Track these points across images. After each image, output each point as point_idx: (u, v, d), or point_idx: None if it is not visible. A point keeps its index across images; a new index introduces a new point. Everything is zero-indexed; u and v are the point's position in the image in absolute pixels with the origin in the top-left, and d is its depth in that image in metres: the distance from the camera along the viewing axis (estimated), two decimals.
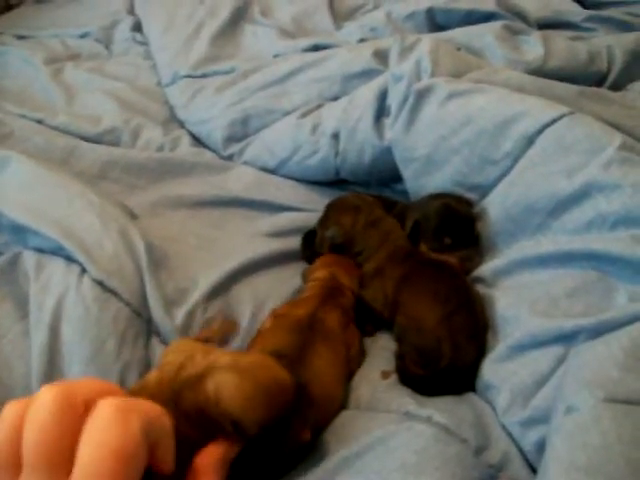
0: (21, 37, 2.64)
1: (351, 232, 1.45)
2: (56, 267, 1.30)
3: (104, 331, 1.19)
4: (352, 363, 1.24)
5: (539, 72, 1.71)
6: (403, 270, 1.34)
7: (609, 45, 1.90)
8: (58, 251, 1.32)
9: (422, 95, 1.51)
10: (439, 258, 1.39)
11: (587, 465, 0.83)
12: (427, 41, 1.61)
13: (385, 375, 1.23)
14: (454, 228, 1.41)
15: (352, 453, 1.02)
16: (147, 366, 1.20)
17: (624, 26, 2.10)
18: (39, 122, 1.97)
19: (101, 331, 1.19)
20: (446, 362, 1.18)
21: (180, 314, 1.29)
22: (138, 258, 1.35)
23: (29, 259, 1.34)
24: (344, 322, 1.25)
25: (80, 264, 1.29)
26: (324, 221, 1.53)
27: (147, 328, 1.27)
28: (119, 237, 1.37)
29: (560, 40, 1.87)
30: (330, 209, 1.56)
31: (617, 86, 1.83)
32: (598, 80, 1.84)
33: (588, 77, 1.80)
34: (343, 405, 1.17)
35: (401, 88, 1.56)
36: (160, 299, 1.29)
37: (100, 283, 1.25)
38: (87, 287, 1.25)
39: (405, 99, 1.54)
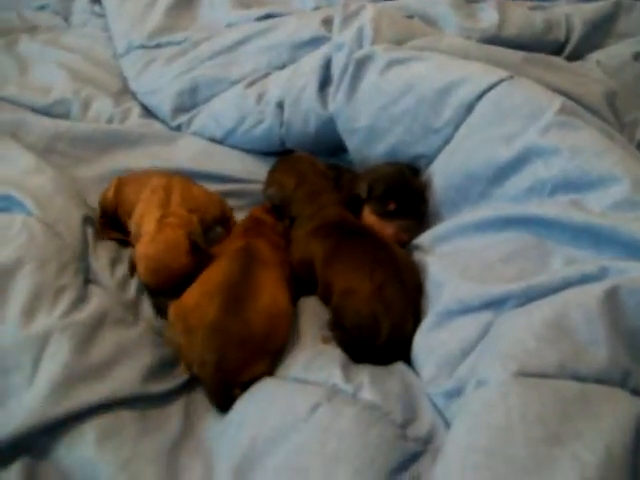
0: None
1: (290, 197, 1.45)
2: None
3: (48, 254, 1.26)
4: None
5: (494, 40, 1.68)
6: (327, 247, 1.31)
7: (568, 14, 1.86)
8: (4, 208, 1.38)
9: (362, 64, 1.48)
10: (373, 225, 1.38)
11: (487, 447, 0.81)
12: (370, 8, 1.57)
13: (326, 340, 1.22)
14: (401, 195, 1.39)
15: (276, 432, 1.02)
16: (82, 300, 1.23)
17: None
18: None
19: (45, 254, 1.26)
20: (384, 338, 1.16)
21: (119, 271, 1.37)
22: (86, 222, 1.43)
23: None
24: (273, 247, 1.35)
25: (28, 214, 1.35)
26: (270, 175, 1.55)
27: (86, 274, 1.32)
28: (70, 198, 1.45)
29: (516, 8, 1.83)
30: (279, 166, 1.55)
31: (576, 55, 1.80)
32: (556, 49, 1.80)
33: (545, 46, 1.77)
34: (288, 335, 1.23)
35: (342, 57, 1.53)
36: (103, 257, 1.38)
37: (47, 225, 1.32)
38: (34, 222, 1.32)
39: (345, 68, 1.51)
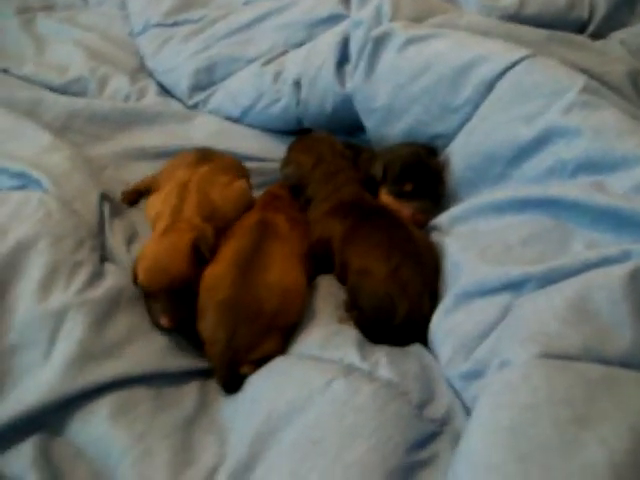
0: None
1: (307, 177, 1.44)
2: (16, 193, 1.36)
3: (64, 231, 1.26)
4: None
5: (515, 19, 1.64)
6: (345, 227, 1.31)
7: None
8: (21, 186, 1.38)
9: (380, 42, 1.46)
10: (389, 206, 1.36)
11: (511, 426, 0.79)
12: None
13: (342, 320, 1.21)
14: (417, 176, 1.37)
15: (292, 406, 1.01)
16: (98, 277, 1.23)
17: None
18: (5, 71, 1.95)
19: (61, 230, 1.26)
20: (401, 319, 1.15)
21: (135, 249, 1.36)
22: (103, 200, 1.42)
23: None
24: (292, 222, 1.34)
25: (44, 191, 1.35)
26: (288, 154, 1.55)
27: (102, 252, 1.32)
28: (87, 176, 1.44)
29: None
30: (297, 144, 1.56)
31: (599, 34, 1.76)
32: (578, 28, 1.76)
33: (567, 24, 1.72)
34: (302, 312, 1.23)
35: (360, 35, 1.51)
36: (119, 234, 1.38)
37: (63, 203, 1.32)
38: (50, 199, 1.32)
39: (364, 47, 1.49)
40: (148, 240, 1.29)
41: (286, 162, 1.53)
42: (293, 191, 1.46)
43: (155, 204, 1.40)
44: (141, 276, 1.21)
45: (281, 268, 1.20)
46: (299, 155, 1.50)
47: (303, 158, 1.48)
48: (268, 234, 1.26)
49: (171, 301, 1.19)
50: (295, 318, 1.20)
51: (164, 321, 1.18)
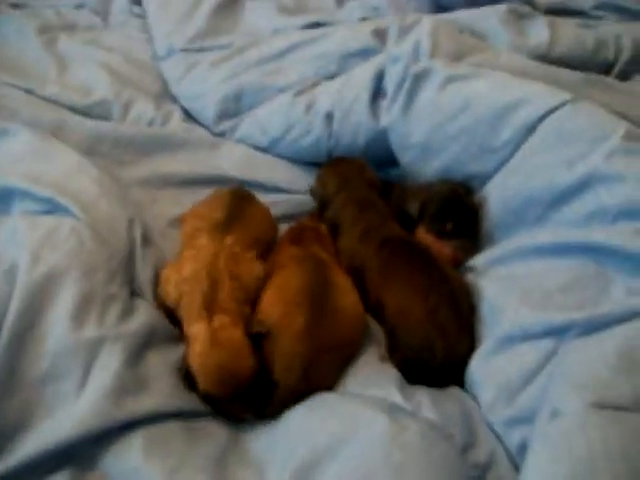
0: (15, 6, 2.53)
1: (330, 198, 1.48)
2: (46, 218, 1.32)
3: (97, 262, 1.23)
4: None
5: (544, 58, 1.67)
6: (379, 260, 1.31)
7: (617, 34, 1.84)
8: (49, 210, 1.34)
9: (419, 79, 1.46)
10: (427, 244, 1.36)
11: (570, 476, 0.79)
12: (428, 21, 1.56)
13: (383, 359, 1.21)
14: (458, 215, 1.37)
15: (337, 439, 1.00)
16: (130, 312, 1.21)
17: (636, 15, 2.03)
18: (28, 92, 1.91)
19: (94, 261, 1.23)
20: (439, 361, 1.15)
21: None
22: (132, 227, 1.38)
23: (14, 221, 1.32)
24: (328, 253, 1.35)
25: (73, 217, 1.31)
26: (319, 172, 1.58)
27: (132, 286, 1.29)
28: (116, 201, 1.41)
29: (567, 26, 1.82)
30: (328, 165, 1.59)
31: (623, 76, 1.78)
32: (604, 69, 1.78)
33: (594, 66, 1.75)
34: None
35: (398, 70, 1.51)
36: (148, 267, 1.34)
37: (95, 231, 1.29)
38: (82, 227, 1.28)
39: (402, 82, 1.49)
40: (196, 348, 1.14)
41: (316, 179, 1.57)
42: (319, 208, 1.50)
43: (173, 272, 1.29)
44: (209, 388, 1.11)
45: (349, 297, 1.22)
46: (326, 176, 1.54)
47: (329, 179, 1.52)
48: (324, 264, 1.26)
49: (240, 398, 1.13)
50: (356, 350, 1.20)
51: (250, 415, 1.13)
